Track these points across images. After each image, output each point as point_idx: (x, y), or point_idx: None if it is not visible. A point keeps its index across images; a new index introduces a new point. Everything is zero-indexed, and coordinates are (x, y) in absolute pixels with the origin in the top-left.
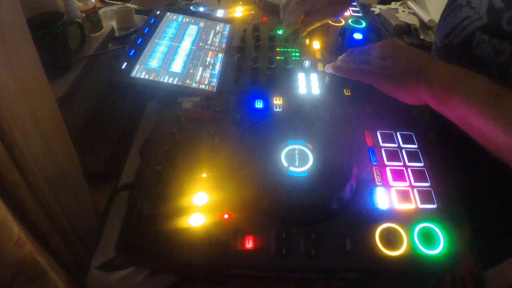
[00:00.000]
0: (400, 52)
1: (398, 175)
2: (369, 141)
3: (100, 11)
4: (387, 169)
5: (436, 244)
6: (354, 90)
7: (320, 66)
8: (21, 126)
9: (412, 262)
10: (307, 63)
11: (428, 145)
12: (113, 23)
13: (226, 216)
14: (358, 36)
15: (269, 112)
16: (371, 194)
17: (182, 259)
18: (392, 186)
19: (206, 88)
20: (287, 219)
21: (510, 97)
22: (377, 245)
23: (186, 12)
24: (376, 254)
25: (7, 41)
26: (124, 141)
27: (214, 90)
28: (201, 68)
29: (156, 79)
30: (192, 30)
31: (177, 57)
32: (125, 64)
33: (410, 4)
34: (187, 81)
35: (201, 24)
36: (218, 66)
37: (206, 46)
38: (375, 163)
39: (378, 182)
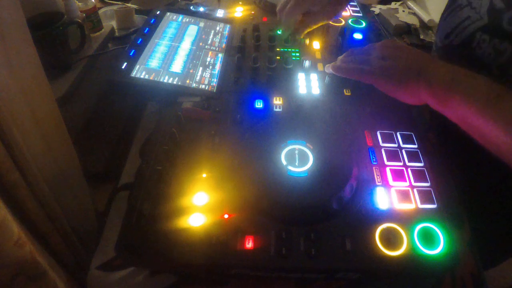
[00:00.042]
0: (400, 52)
1: (398, 175)
2: (369, 141)
3: (100, 11)
4: (387, 169)
5: (436, 244)
6: (354, 90)
7: (320, 66)
8: (21, 126)
9: (412, 262)
10: (307, 63)
11: (428, 145)
12: (113, 23)
13: (226, 216)
14: (358, 36)
15: (269, 112)
16: (371, 194)
17: (182, 259)
18: (392, 186)
19: (206, 88)
20: (287, 219)
21: (510, 97)
22: (377, 245)
23: (186, 12)
24: (376, 254)
25: (7, 41)
26: (124, 141)
27: (214, 90)
28: (201, 68)
29: (156, 79)
30: (192, 30)
31: (177, 57)
32: (125, 64)
33: (410, 4)
34: (187, 81)
35: (201, 24)
36: (218, 66)
37: (206, 46)
38: (375, 163)
39: (378, 182)
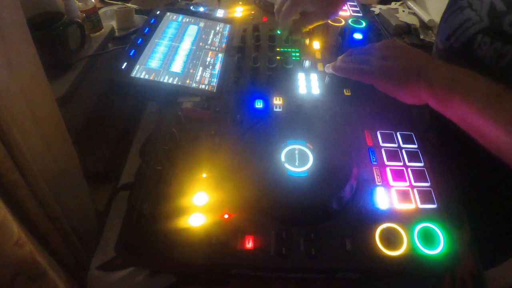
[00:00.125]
0: (400, 52)
1: (398, 175)
2: (369, 141)
3: (100, 11)
4: (387, 169)
5: (436, 244)
6: (354, 90)
7: (320, 66)
8: (21, 126)
9: (412, 262)
10: (307, 63)
11: (428, 145)
12: (113, 23)
13: (226, 216)
14: (358, 36)
15: (269, 112)
16: (371, 194)
17: (182, 259)
18: (392, 186)
19: (206, 88)
20: (287, 219)
21: (510, 97)
22: (377, 245)
23: (186, 12)
24: (376, 254)
25: (7, 41)
26: (124, 141)
27: (214, 90)
28: (201, 68)
29: (156, 79)
30: (192, 30)
31: (177, 57)
32: (125, 64)
33: (410, 4)
34: (187, 81)
35: (201, 24)
36: (218, 66)
37: (206, 46)
38: (375, 163)
39: (378, 182)
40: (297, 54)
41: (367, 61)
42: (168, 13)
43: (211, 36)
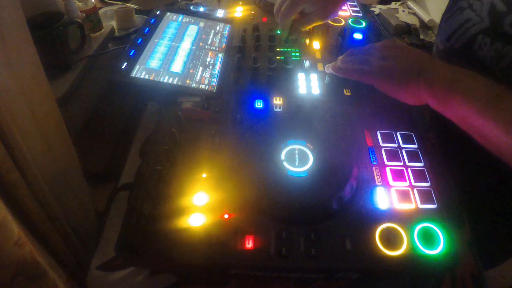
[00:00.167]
0: (400, 52)
1: (398, 175)
2: (369, 141)
3: (100, 11)
4: (387, 169)
5: (436, 244)
6: (354, 90)
7: (320, 66)
8: (21, 126)
9: (412, 262)
10: (307, 63)
11: (428, 145)
12: (113, 23)
13: (226, 216)
14: (358, 36)
15: (269, 112)
16: (371, 194)
17: (182, 259)
18: (392, 186)
19: (206, 88)
20: (287, 219)
21: (510, 97)
22: (377, 245)
23: (186, 12)
24: (376, 254)
25: (7, 41)
26: (124, 141)
27: (214, 90)
28: (201, 68)
29: (156, 79)
30: (192, 30)
31: (177, 57)
32: (125, 64)
33: (410, 4)
34: (187, 81)
35: (201, 24)
36: (218, 66)
37: (206, 46)
38: (375, 163)
39: (378, 182)
40: (297, 54)
41: (367, 61)
42: (168, 13)
43: (211, 36)
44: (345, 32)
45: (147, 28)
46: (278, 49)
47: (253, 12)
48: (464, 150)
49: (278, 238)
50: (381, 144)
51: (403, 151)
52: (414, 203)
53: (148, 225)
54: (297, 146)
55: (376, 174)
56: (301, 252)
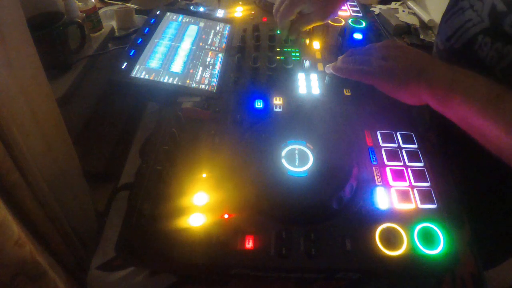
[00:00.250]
0: (400, 53)
1: (398, 175)
2: (369, 141)
3: (100, 11)
4: (387, 169)
5: (436, 244)
6: (354, 90)
7: (320, 66)
8: (21, 126)
9: (412, 262)
10: (307, 63)
11: (428, 145)
12: (113, 23)
13: (226, 216)
14: (358, 36)
15: (269, 112)
16: (371, 194)
17: (182, 259)
18: (392, 186)
19: (206, 88)
20: (287, 219)
21: (510, 97)
22: (377, 245)
23: (186, 12)
24: (376, 254)
25: (7, 41)
26: (124, 141)
27: (214, 90)
28: (201, 68)
29: (156, 79)
30: (192, 30)
31: (177, 57)
32: (125, 64)
33: (410, 4)
34: (187, 81)
35: (201, 24)
36: (218, 66)
37: (206, 46)
38: (375, 163)
39: (378, 182)
40: (297, 54)
41: (367, 62)
42: (168, 13)
43: (211, 36)
44: (345, 32)
45: (147, 28)
46: (278, 49)
47: (253, 12)
48: (464, 150)
49: (278, 238)
50: (381, 144)
51: (403, 151)
52: (414, 203)
53: (148, 225)
54: (297, 146)
55: (376, 174)
56: (301, 252)
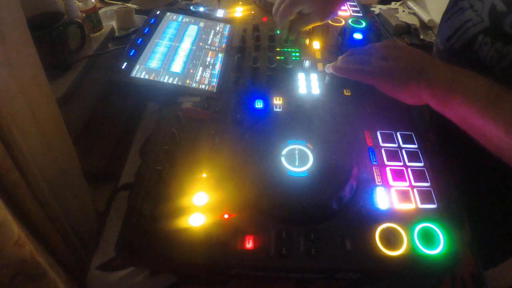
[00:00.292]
0: (400, 53)
1: (398, 175)
2: (369, 141)
3: (100, 11)
4: (387, 169)
5: (436, 244)
6: (354, 90)
7: (320, 66)
8: (21, 126)
9: (412, 262)
10: (307, 63)
11: (428, 145)
12: (113, 23)
13: (226, 216)
14: (358, 36)
15: (269, 112)
16: (371, 194)
17: (182, 259)
18: (392, 186)
19: (206, 88)
20: (287, 219)
21: (510, 97)
22: (377, 245)
23: (186, 12)
24: (376, 254)
25: (7, 41)
26: (124, 141)
27: (214, 90)
28: (201, 68)
29: (156, 79)
30: (192, 30)
31: (177, 57)
32: (125, 64)
33: (410, 4)
34: (187, 81)
35: (201, 24)
36: (218, 66)
37: (206, 46)
38: (375, 163)
39: (378, 182)
40: (297, 54)
41: (368, 61)
42: (168, 13)
43: (211, 36)
44: (345, 32)
45: (147, 28)
46: (278, 49)
47: (253, 12)
48: (464, 150)
49: (278, 238)
50: (381, 144)
51: (403, 151)
52: (414, 203)
53: (148, 225)
54: (297, 146)
55: (376, 174)
56: (301, 252)
